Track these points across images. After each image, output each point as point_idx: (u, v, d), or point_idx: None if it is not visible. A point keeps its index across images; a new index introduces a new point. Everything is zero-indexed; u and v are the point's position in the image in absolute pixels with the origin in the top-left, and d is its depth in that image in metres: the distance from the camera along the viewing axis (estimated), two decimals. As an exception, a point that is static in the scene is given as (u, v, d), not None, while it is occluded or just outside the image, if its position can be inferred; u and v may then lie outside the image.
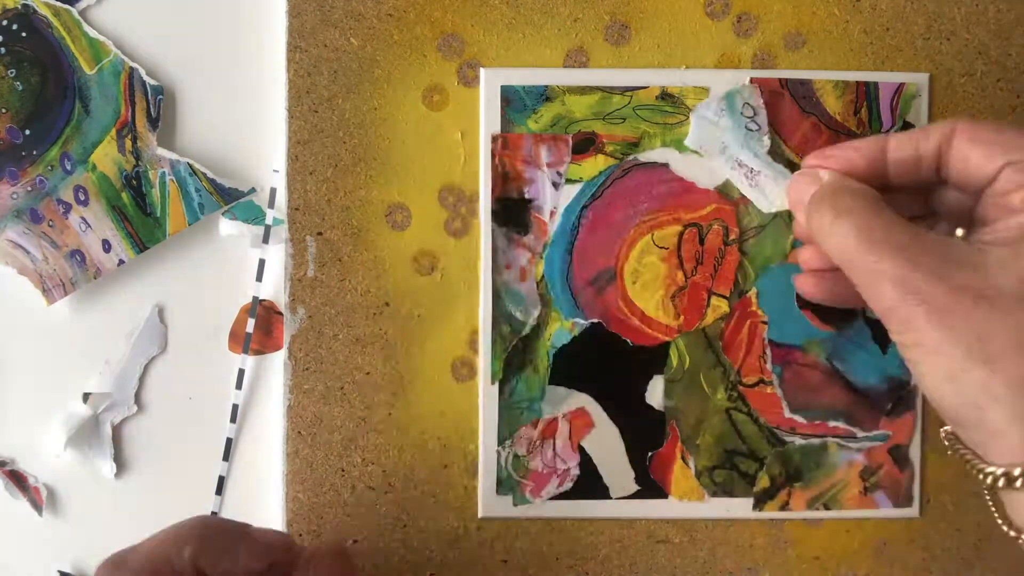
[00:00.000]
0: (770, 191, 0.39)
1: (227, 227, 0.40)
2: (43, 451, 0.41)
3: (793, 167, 0.39)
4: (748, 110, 0.39)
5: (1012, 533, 0.28)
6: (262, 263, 0.40)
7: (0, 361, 0.41)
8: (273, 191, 0.40)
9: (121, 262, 0.40)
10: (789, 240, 0.40)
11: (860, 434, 0.41)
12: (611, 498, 0.41)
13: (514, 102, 0.39)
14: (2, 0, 0.39)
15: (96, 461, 0.41)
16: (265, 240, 0.40)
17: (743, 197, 0.40)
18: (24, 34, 0.39)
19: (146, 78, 0.39)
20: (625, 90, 0.40)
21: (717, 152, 0.39)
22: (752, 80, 0.39)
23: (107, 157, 0.39)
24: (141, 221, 0.40)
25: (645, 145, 0.40)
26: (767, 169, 0.39)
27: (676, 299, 0.40)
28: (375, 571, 0.40)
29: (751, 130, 0.39)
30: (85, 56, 0.39)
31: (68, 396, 0.41)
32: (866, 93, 0.40)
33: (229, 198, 0.40)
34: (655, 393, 0.40)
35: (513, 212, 0.40)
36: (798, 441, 0.41)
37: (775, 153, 0.39)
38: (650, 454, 0.41)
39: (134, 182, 0.40)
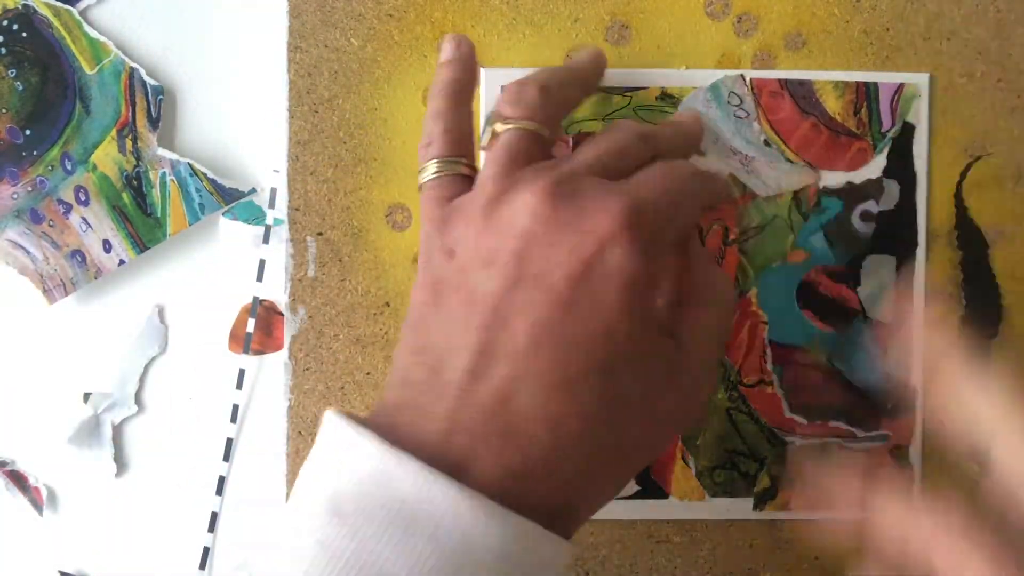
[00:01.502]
0: (766, 176, 0.39)
1: (227, 227, 0.40)
2: (43, 451, 0.41)
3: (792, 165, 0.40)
4: (734, 99, 0.39)
5: None
6: (262, 263, 0.40)
7: (0, 361, 0.41)
8: (273, 191, 0.40)
9: (122, 262, 0.40)
10: (789, 240, 0.40)
11: (860, 434, 0.41)
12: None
13: (514, 102, 0.39)
14: (2, 0, 0.39)
15: (96, 461, 0.41)
16: (265, 240, 0.40)
17: (743, 197, 0.40)
18: (24, 34, 0.39)
19: (146, 78, 0.39)
20: (625, 90, 0.40)
21: (710, 143, 0.39)
22: (752, 80, 0.39)
23: (108, 157, 0.39)
24: (142, 221, 0.40)
25: (645, 145, 0.40)
26: (760, 155, 0.39)
27: (676, 299, 0.40)
28: (375, 571, 0.40)
29: (740, 117, 0.39)
30: (85, 56, 0.39)
31: (68, 396, 0.41)
32: (866, 93, 0.40)
33: (229, 198, 0.40)
34: (655, 393, 0.40)
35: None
36: (798, 441, 0.41)
37: (767, 139, 0.39)
38: (650, 454, 0.41)
39: (135, 182, 0.40)
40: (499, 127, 0.31)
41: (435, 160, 0.32)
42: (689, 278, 0.32)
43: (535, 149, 0.31)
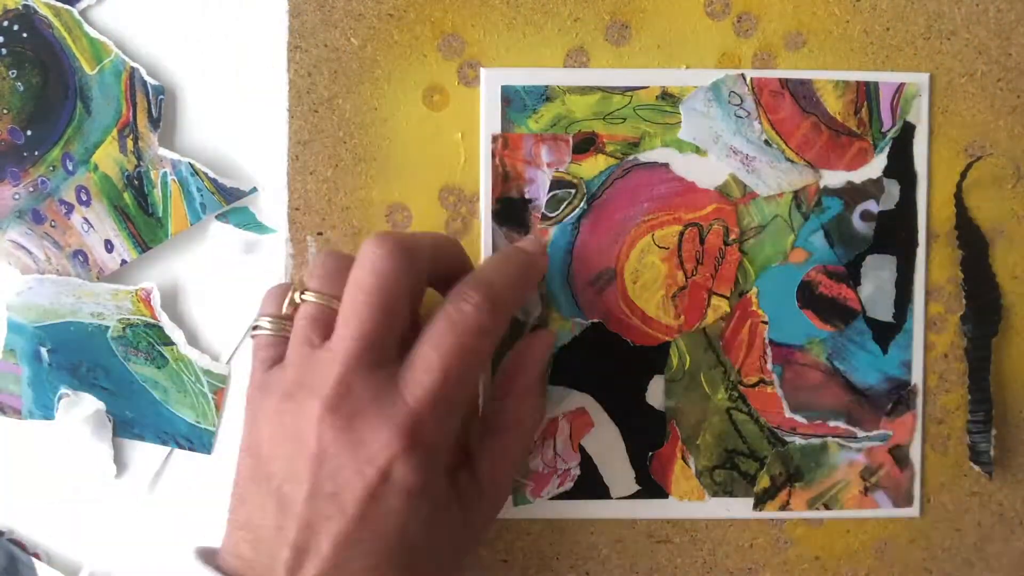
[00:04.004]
0: (767, 175, 0.39)
1: (217, 231, 0.40)
2: (44, 451, 0.41)
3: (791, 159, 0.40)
4: (735, 98, 0.39)
5: None
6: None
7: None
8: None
9: (124, 262, 0.40)
10: (789, 240, 0.40)
11: (860, 434, 0.41)
12: (611, 498, 0.41)
13: (514, 102, 0.39)
14: (2, 1, 0.39)
15: (96, 461, 0.41)
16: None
17: (743, 197, 0.40)
18: (25, 35, 0.39)
19: (147, 78, 0.39)
20: (625, 90, 0.40)
21: (711, 142, 0.39)
22: (752, 80, 0.39)
23: (109, 157, 0.39)
24: (143, 221, 0.40)
25: (645, 145, 0.40)
26: (762, 154, 0.39)
27: (676, 299, 0.40)
28: (375, 570, 0.40)
29: (741, 117, 0.39)
30: (86, 56, 0.39)
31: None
32: (866, 93, 0.40)
33: (231, 197, 0.40)
34: (655, 393, 0.40)
35: (513, 212, 0.40)
36: (798, 441, 0.41)
37: (768, 139, 0.40)
38: (650, 454, 0.41)
39: (136, 182, 0.40)
40: (298, 298, 0.34)
41: (268, 318, 0.35)
42: (497, 406, 0.37)
43: (334, 319, 0.33)
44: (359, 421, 0.30)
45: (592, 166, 0.40)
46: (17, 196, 0.40)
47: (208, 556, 0.32)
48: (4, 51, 0.39)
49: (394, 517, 0.30)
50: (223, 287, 0.41)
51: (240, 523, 0.32)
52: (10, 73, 0.39)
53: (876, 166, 0.40)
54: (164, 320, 0.40)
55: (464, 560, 0.35)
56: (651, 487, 0.41)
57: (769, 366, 0.40)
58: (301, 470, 0.30)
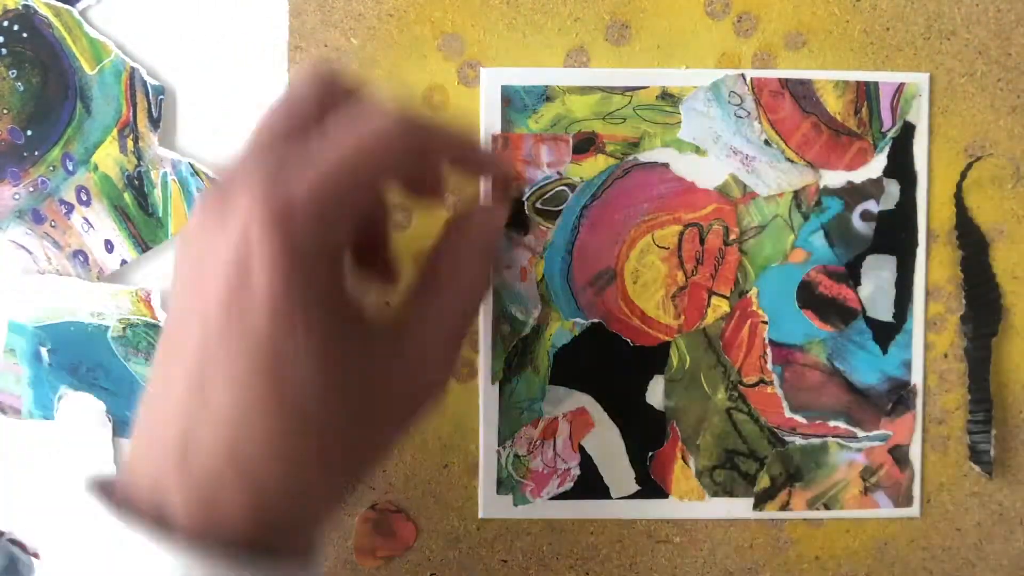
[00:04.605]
0: (767, 175, 0.39)
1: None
2: (44, 451, 0.41)
3: (792, 162, 0.40)
4: (735, 98, 0.39)
5: None
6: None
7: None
8: None
9: (123, 262, 0.40)
10: (789, 240, 0.40)
11: (860, 434, 0.41)
12: (611, 498, 0.41)
13: (514, 102, 0.39)
14: (3, 1, 0.39)
15: (96, 461, 0.41)
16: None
17: (743, 197, 0.40)
18: (25, 35, 0.39)
19: (147, 78, 0.39)
20: (625, 90, 0.40)
21: (711, 142, 0.39)
22: (752, 80, 0.39)
23: (109, 157, 0.39)
24: (143, 221, 0.40)
25: (645, 145, 0.40)
26: (762, 154, 0.39)
27: (676, 299, 0.40)
28: (375, 572, 0.40)
29: (741, 117, 0.39)
30: (86, 56, 0.39)
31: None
32: (866, 93, 0.40)
33: (230, 198, 0.40)
34: (655, 393, 0.40)
35: (513, 212, 0.40)
36: (798, 441, 0.41)
37: (768, 139, 0.40)
38: (650, 454, 0.41)
39: (136, 182, 0.40)
40: None
41: None
42: (432, 264, 0.30)
43: None
44: (223, 193, 0.24)
45: (592, 166, 0.40)
46: (17, 196, 0.40)
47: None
48: (4, 51, 0.39)
49: (259, 324, 0.24)
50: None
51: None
52: (10, 73, 0.39)
53: (876, 166, 0.40)
54: (164, 320, 0.40)
55: (387, 448, 0.29)
56: (651, 487, 0.41)
57: (769, 366, 0.40)
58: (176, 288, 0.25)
